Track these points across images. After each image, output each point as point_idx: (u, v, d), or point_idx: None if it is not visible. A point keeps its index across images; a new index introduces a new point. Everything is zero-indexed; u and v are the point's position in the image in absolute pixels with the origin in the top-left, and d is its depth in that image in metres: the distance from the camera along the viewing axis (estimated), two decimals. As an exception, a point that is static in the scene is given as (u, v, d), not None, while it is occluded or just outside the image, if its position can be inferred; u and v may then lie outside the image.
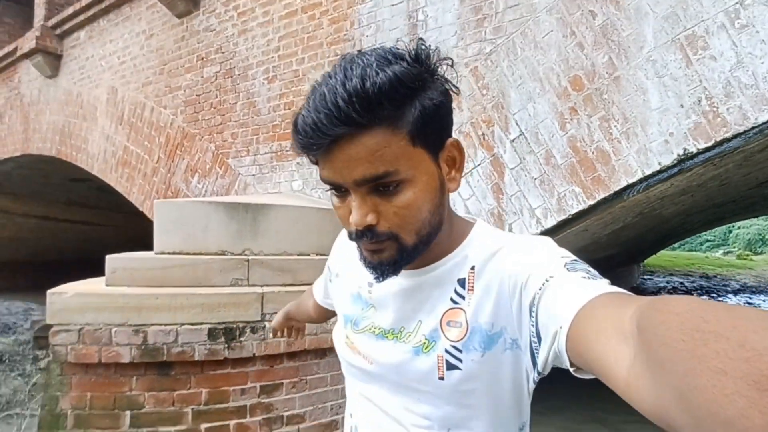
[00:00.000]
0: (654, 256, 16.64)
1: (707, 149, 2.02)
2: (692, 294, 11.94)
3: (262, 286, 2.44)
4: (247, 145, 3.77)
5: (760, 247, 21.56)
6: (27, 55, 5.91)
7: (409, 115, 0.51)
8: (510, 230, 2.50)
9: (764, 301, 11.61)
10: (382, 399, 0.65)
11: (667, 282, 14.17)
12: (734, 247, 21.99)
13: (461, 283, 0.61)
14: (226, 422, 2.22)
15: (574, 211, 2.32)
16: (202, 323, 2.20)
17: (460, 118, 2.64)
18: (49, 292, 2.14)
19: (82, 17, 5.45)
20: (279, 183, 3.51)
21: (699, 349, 0.29)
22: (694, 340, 0.30)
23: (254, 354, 2.26)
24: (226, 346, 2.22)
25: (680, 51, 2.07)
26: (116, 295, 2.19)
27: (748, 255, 19.58)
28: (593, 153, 2.28)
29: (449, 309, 0.60)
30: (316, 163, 0.54)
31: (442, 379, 0.59)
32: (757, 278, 15.66)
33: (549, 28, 2.41)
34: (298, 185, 3.40)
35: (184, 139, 4.28)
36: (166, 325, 2.16)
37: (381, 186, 0.52)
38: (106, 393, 2.12)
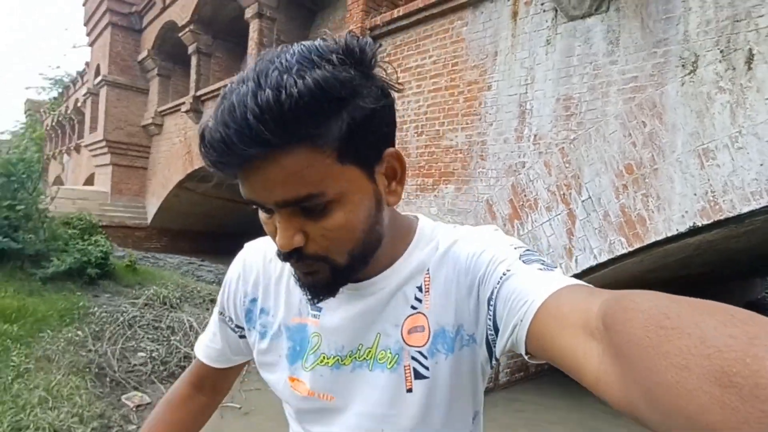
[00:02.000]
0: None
1: (708, 226, 3.09)
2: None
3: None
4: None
5: None
6: (185, 111, 8.23)
7: (335, 130, 0.45)
8: (576, 261, 3.74)
9: None
10: None
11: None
12: None
13: (419, 288, 0.58)
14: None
15: (619, 253, 3.50)
16: None
17: (547, 182, 3.92)
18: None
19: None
20: (420, 208, 5.07)
21: (663, 345, 0.29)
22: (659, 337, 0.30)
23: None
24: None
25: (698, 158, 3.15)
26: None
27: None
28: (635, 217, 3.43)
29: (410, 315, 0.58)
30: (235, 177, 0.47)
31: (410, 391, 0.56)
32: None
33: (614, 128, 3.57)
34: (434, 211, 4.92)
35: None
36: None
37: (307, 207, 0.48)
38: None
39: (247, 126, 0.41)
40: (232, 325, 0.70)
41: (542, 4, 4.14)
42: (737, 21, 3.04)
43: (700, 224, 3.12)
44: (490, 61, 4.53)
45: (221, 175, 0.47)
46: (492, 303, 0.51)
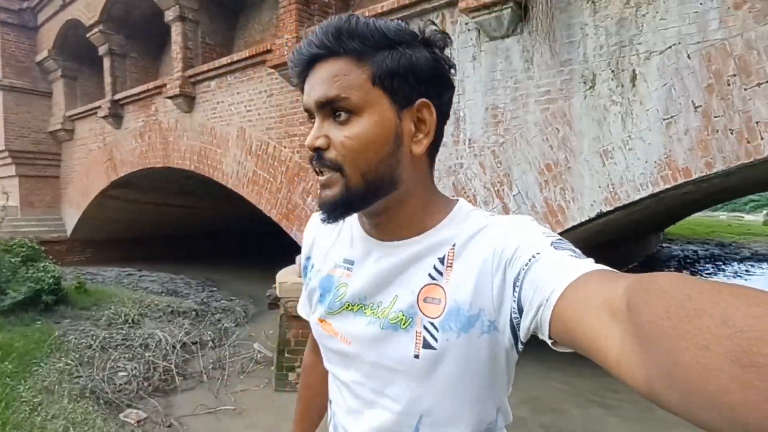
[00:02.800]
0: (682, 222, 17.66)
1: (611, 211, 3.91)
2: (701, 262, 13.38)
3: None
4: (348, 180, 5.82)
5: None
6: (171, 97, 8.08)
7: (380, 57, 0.57)
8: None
9: (765, 269, 12.90)
10: (356, 383, 0.66)
11: (682, 250, 15.59)
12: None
13: (441, 260, 0.61)
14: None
15: (545, 237, 4.26)
16: None
17: (483, 180, 4.57)
18: (278, 280, 4.31)
19: (213, 73, 7.55)
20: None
21: (683, 326, 0.30)
22: (679, 318, 0.30)
23: None
24: None
25: (600, 158, 3.93)
26: None
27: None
28: (556, 207, 4.19)
29: (427, 284, 0.61)
30: (303, 83, 0.61)
31: (417, 357, 0.59)
32: (773, 246, 16.65)
33: (534, 134, 4.27)
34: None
35: (300, 170, 6.37)
36: None
37: (335, 112, 0.58)
38: (308, 330, 4.26)
39: (315, 37, 0.57)
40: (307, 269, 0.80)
41: (466, 24, 4.72)
42: (623, 46, 3.81)
43: (605, 210, 3.93)
44: (424, 73, 5.06)
45: (295, 79, 0.62)
46: (518, 284, 0.52)
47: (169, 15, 8.00)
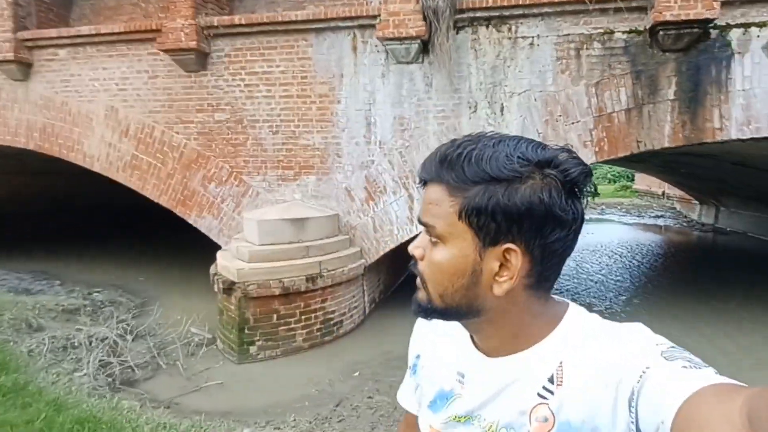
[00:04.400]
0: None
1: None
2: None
3: (314, 256, 5.36)
4: (258, 169, 6.29)
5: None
6: (-2, 61, 6.76)
7: (473, 192, 0.58)
8: (416, 227, 5.86)
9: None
10: None
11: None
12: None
13: (550, 378, 0.60)
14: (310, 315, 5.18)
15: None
16: (299, 275, 5.07)
17: (392, 174, 5.83)
18: (233, 267, 4.77)
19: (66, 41, 6.67)
20: (284, 193, 6.22)
21: None
22: None
23: (321, 286, 5.24)
24: (309, 284, 5.15)
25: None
26: (265, 268, 4.92)
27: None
28: (448, 196, 5.77)
29: (537, 404, 0.60)
30: None
31: None
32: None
33: (433, 142, 5.70)
34: (299, 196, 6.19)
35: (198, 157, 6.47)
36: (286, 278, 4.97)
37: (429, 233, 0.63)
38: (265, 308, 4.88)
39: (429, 161, 0.64)
40: (414, 368, 0.83)
41: (375, 46, 5.77)
42: (495, 86, 5.49)
43: (482, 199, 5.67)
44: (338, 81, 5.93)
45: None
46: (633, 405, 0.51)
47: (-12, -41, 6.58)
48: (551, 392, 0.60)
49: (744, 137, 4.91)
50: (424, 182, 0.65)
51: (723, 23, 4.81)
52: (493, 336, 0.66)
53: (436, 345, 0.76)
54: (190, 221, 6.61)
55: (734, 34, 4.84)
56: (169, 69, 6.45)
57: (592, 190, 0.61)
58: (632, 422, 0.51)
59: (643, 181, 22.72)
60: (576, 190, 0.59)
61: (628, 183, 26.21)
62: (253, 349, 4.94)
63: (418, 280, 0.66)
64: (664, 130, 5.10)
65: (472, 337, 0.70)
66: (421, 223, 0.64)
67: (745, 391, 0.41)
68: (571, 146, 5.24)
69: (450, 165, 0.60)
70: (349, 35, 5.83)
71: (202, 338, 5.38)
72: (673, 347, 0.54)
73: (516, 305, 0.62)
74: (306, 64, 6.00)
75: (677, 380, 0.48)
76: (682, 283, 8.50)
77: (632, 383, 0.52)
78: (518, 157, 0.58)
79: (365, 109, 5.89)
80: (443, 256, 0.61)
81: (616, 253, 10.96)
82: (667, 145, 5.11)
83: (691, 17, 4.65)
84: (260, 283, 4.90)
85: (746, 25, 4.81)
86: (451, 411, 0.70)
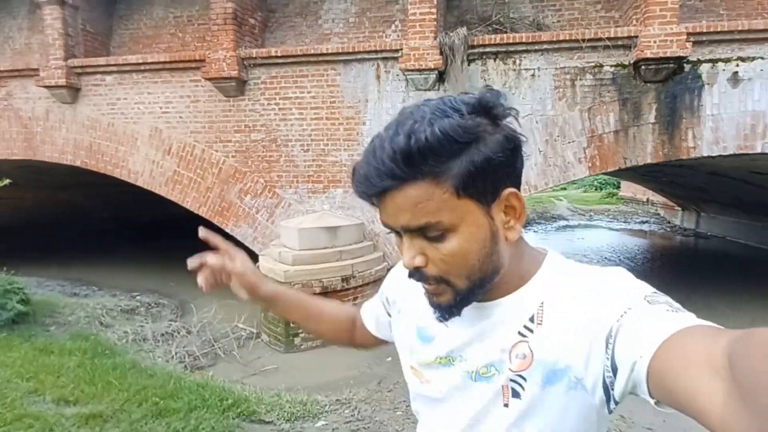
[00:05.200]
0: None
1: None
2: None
3: (346, 259, 6.12)
4: (290, 183, 7.05)
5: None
6: (50, 86, 7.46)
7: (455, 169, 0.56)
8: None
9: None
10: (445, 427, 0.70)
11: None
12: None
13: (530, 318, 0.62)
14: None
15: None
16: (335, 276, 5.81)
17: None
18: (280, 269, 5.51)
19: (114, 68, 7.40)
20: (314, 204, 6.99)
21: None
22: None
23: (353, 286, 5.99)
24: (344, 284, 5.90)
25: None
26: (307, 270, 5.67)
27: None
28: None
29: (517, 342, 0.63)
30: (375, 204, 0.61)
31: (506, 406, 0.62)
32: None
33: (448, 158, 6.52)
34: (327, 207, 6.95)
35: (236, 173, 7.22)
36: (324, 278, 5.72)
37: (427, 233, 0.59)
38: None
39: (382, 164, 0.55)
40: (386, 305, 0.89)
41: (397, 75, 6.59)
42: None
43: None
44: (363, 105, 6.74)
45: (366, 201, 0.61)
46: (611, 341, 0.52)
47: (43, -5, 7.29)
48: (531, 330, 0.61)
49: (713, 155, 5.81)
50: (382, 193, 0.58)
51: (695, 59, 5.72)
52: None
53: (416, 290, 0.73)
54: (227, 230, 7.33)
55: (704, 68, 5.75)
56: (209, 94, 7.21)
57: (515, 112, 0.63)
58: (607, 358, 0.52)
59: (629, 188, 23.81)
60: (514, 116, 0.61)
61: (614, 190, 27.29)
62: (297, 341, 5.68)
63: (432, 287, 0.63)
64: (646, 149, 5.99)
65: None
66: (413, 230, 0.59)
67: (729, 334, 0.41)
68: (567, 161, 6.10)
69: (423, 156, 0.55)
70: (373, 66, 6.65)
71: (249, 333, 6.11)
72: (655, 292, 0.54)
73: (516, 249, 0.64)
74: (335, 91, 6.80)
75: (660, 320, 0.48)
76: (665, 283, 9.40)
77: (612, 322, 0.53)
78: (464, 110, 0.57)
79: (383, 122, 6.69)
80: (461, 240, 0.59)
81: (606, 258, 11.87)
82: (649, 161, 5.99)
83: (668, 54, 5.54)
84: (304, 282, 5.65)
85: (714, 61, 5.73)
86: (432, 351, 0.71)
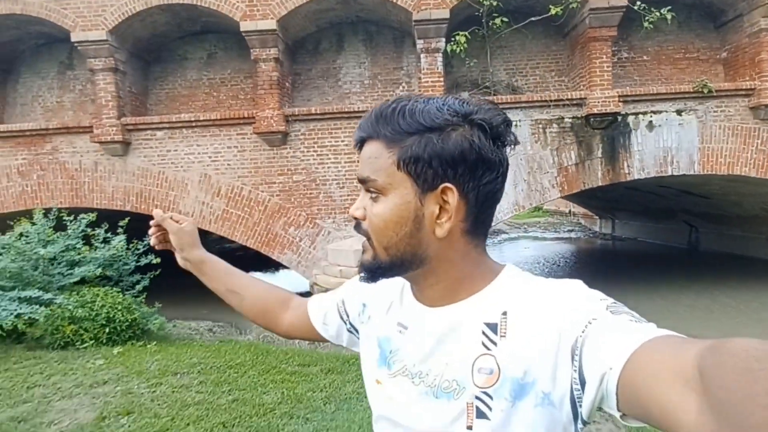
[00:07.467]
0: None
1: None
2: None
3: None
4: (329, 214, 8.60)
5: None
6: (105, 142, 8.43)
7: (407, 143, 0.61)
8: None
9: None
10: None
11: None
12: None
13: (492, 328, 0.61)
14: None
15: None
16: None
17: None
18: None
19: (166, 125, 8.57)
20: (350, 231, 8.57)
21: (750, 388, 0.31)
22: (746, 380, 0.31)
23: None
24: None
25: (488, 201, 8.53)
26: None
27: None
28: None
29: (481, 355, 0.60)
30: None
31: (470, 428, 0.59)
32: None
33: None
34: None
35: (280, 209, 8.63)
36: None
37: (368, 188, 0.65)
38: None
39: (365, 121, 0.65)
40: (342, 311, 0.86)
41: (413, 126, 8.49)
42: (494, 151, 8.46)
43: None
44: (387, 150, 8.52)
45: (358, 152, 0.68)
46: (577, 353, 0.52)
47: (97, 65, 8.32)
48: (494, 343, 0.60)
49: (641, 178, 8.33)
50: (361, 143, 0.66)
51: (624, 113, 8.25)
52: (435, 285, 0.66)
53: (379, 297, 0.77)
54: (274, 257, 8.68)
55: (630, 119, 8.30)
56: (254, 144, 8.63)
57: (513, 138, 0.65)
58: (575, 370, 0.52)
59: (552, 201, 27.51)
60: (500, 135, 0.63)
61: (540, 204, 31.01)
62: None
63: (363, 242, 0.67)
64: (597, 175, 8.39)
65: (413, 289, 0.71)
66: (360, 179, 0.65)
67: (696, 344, 0.41)
68: (544, 187, 8.34)
69: (386, 120, 0.62)
70: (394, 119, 8.50)
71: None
72: (615, 303, 0.56)
73: (456, 251, 0.64)
74: (363, 139, 8.54)
75: (626, 332, 0.49)
76: (594, 278, 12.05)
77: (576, 333, 0.53)
78: (447, 108, 0.61)
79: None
80: (386, 207, 0.63)
81: (555, 264, 14.48)
82: (600, 184, 8.38)
83: (607, 111, 8.00)
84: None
85: (636, 114, 8.30)
86: (396, 364, 0.70)
